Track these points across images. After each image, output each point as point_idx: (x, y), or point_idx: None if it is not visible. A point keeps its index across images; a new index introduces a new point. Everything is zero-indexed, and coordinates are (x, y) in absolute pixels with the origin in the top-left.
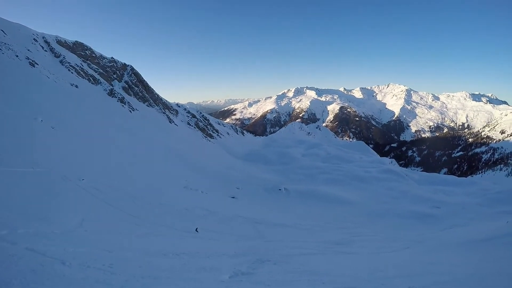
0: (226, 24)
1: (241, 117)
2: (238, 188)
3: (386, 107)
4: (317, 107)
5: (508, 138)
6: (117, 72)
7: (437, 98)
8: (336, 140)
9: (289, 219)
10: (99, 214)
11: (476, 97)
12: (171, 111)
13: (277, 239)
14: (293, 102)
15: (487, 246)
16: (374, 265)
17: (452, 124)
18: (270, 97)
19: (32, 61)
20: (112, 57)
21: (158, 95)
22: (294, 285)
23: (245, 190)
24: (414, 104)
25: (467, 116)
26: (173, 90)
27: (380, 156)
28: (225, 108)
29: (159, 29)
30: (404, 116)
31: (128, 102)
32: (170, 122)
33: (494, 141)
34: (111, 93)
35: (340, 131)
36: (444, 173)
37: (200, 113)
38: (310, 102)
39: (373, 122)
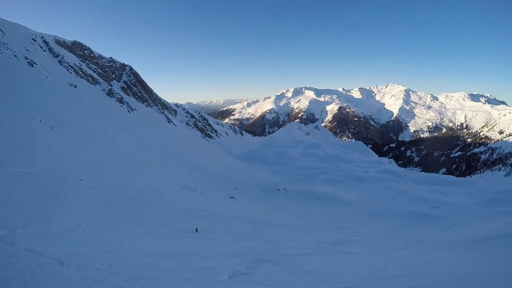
0: (225, 24)
1: (240, 117)
2: (237, 188)
3: (385, 107)
4: (315, 107)
5: (507, 138)
6: (116, 72)
7: (436, 99)
8: (335, 140)
9: (288, 219)
10: (98, 214)
11: (475, 97)
12: (170, 111)
13: (276, 239)
14: (292, 102)
15: (486, 246)
16: (373, 265)
17: (450, 124)
18: (269, 97)
19: (31, 61)
20: (111, 57)
21: (156, 95)
22: (293, 285)
23: (244, 190)
24: (412, 104)
25: (465, 116)
26: (171, 90)
27: (379, 156)
28: (224, 108)
29: (158, 29)
30: (403, 116)
31: (127, 102)
32: (169, 122)
33: (493, 141)
34: (110, 93)
35: (338, 131)
36: (443, 173)
37: (199, 113)
38: (308, 102)
39: (372, 122)
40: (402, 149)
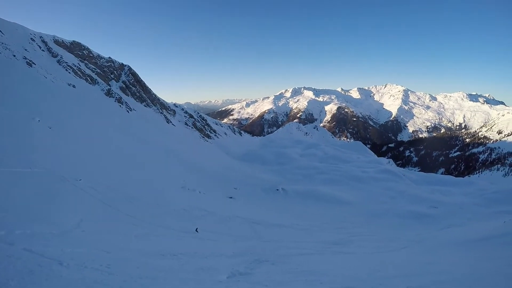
0: (224, 24)
1: (238, 117)
2: (236, 188)
3: (384, 107)
4: (314, 107)
5: (505, 138)
6: (115, 72)
7: (434, 99)
8: (334, 140)
9: (286, 219)
10: (97, 214)
11: (473, 98)
12: (169, 111)
13: (275, 239)
14: (291, 102)
15: (485, 246)
16: (372, 265)
17: (449, 124)
18: (268, 97)
19: (30, 61)
20: (109, 57)
21: (155, 95)
22: (292, 285)
23: (242, 190)
24: (411, 104)
25: (464, 116)
26: (170, 90)
27: (378, 156)
28: (223, 108)
29: (157, 29)
30: (402, 117)
31: (126, 102)
32: (167, 122)
33: (491, 141)
34: (109, 93)
35: (337, 131)
36: (442, 173)
37: (198, 113)
38: (307, 102)
39: (371, 122)
40: (401, 149)
